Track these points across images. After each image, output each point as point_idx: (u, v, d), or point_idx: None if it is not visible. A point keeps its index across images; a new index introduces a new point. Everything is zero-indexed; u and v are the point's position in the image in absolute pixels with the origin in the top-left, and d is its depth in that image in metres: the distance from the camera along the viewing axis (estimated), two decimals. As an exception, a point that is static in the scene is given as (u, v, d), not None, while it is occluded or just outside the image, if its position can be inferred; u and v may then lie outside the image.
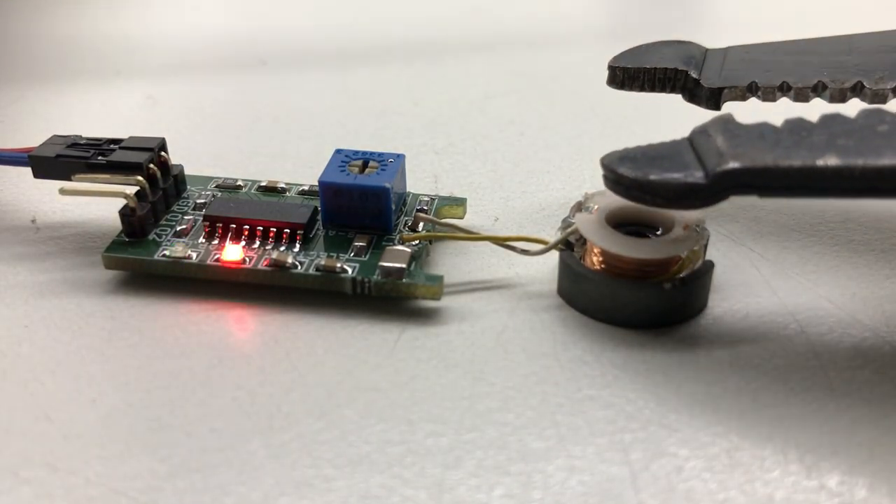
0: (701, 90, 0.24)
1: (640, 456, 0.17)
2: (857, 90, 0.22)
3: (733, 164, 0.18)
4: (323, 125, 0.32)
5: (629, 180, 0.18)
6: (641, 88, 0.25)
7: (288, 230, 0.22)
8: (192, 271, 0.21)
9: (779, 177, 0.17)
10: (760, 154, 0.18)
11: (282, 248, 0.22)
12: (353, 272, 0.21)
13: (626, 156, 0.19)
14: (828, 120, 0.19)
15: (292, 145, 0.30)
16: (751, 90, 0.23)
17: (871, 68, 0.22)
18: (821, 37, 0.24)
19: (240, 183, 0.25)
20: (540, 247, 0.21)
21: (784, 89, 0.22)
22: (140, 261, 0.22)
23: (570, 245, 0.21)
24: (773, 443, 0.17)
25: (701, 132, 0.19)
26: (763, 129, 0.18)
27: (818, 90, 0.22)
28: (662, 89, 0.25)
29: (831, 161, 0.17)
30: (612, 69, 0.25)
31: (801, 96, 0.22)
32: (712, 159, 0.18)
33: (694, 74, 0.24)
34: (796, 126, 0.19)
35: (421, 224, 0.23)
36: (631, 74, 0.25)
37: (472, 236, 0.22)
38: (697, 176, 0.18)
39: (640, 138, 0.31)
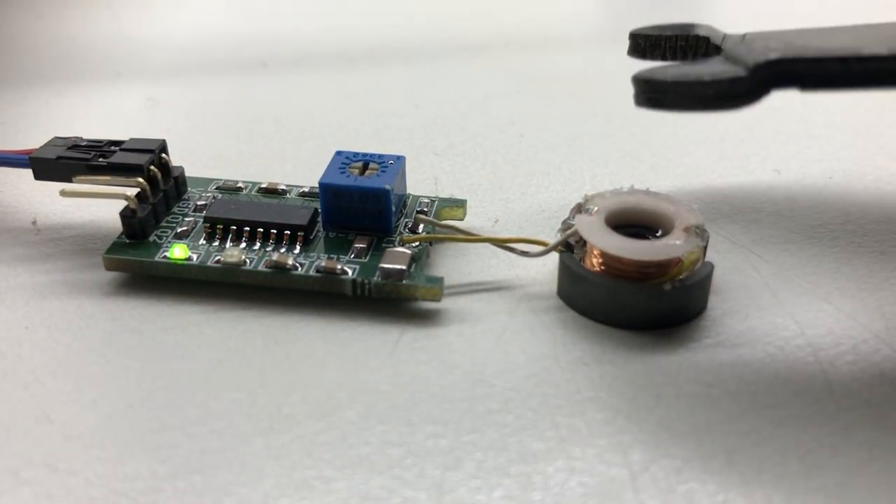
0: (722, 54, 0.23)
1: (639, 457, 0.17)
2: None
3: (775, 55, 0.17)
4: (323, 127, 0.32)
5: (666, 84, 0.18)
6: (663, 56, 0.24)
7: (288, 232, 0.22)
8: (192, 273, 0.21)
9: (823, 66, 0.17)
10: (802, 47, 0.17)
11: (282, 250, 0.22)
12: (353, 274, 0.21)
13: (658, 67, 0.18)
14: (863, 27, 0.19)
15: (293, 147, 0.30)
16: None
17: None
18: (837, 26, 0.24)
19: (240, 184, 0.25)
20: (540, 248, 0.21)
21: None
22: (140, 262, 0.22)
23: (570, 247, 0.21)
24: (773, 443, 0.17)
25: (735, 46, 0.18)
26: (801, 37, 0.18)
27: None
28: (684, 56, 0.24)
29: (877, 49, 0.17)
30: (634, 37, 0.25)
31: None
32: (751, 55, 0.17)
33: (716, 42, 0.23)
34: (834, 33, 0.18)
35: (421, 226, 0.23)
36: (653, 42, 0.24)
37: (472, 238, 0.22)
38: (737, 70, 0.17)
39: (640, 140, 0.31)
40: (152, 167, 0.23)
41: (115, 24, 0.44)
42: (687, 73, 0.18)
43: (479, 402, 0.18)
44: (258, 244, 0.22)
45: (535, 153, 0.29)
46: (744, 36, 0.24)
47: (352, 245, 0.22)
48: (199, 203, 0.24)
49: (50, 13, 0.45)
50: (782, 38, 0.23)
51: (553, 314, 0.21)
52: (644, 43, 0.25)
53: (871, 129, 0.31)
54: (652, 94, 0.18)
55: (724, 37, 0.24)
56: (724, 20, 0.46)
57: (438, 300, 0.21)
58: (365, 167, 0.23)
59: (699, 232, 0.21)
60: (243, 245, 0.22)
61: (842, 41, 0.18)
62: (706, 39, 0.24)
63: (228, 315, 0.21)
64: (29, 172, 0.23)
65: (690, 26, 0.25)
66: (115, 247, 0.22)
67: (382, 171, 0.23)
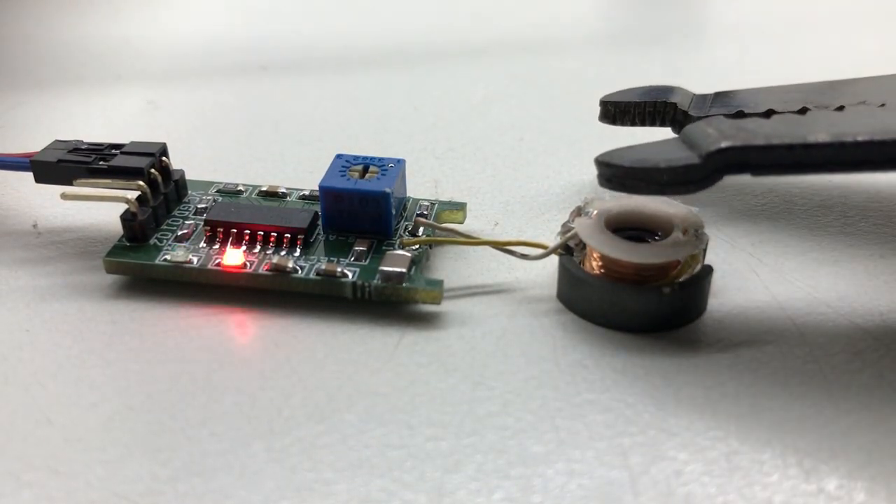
0: (690, 121, 0.24)
1: (639, 460, 0.17)
2: (841, 110, 0.22)
3: (726, 143, 0.18)
4: (323, 130, 0.32)
5: (623, 169, 0.19)
6: (633, 122, 0.26)
7: (288, 235, 0.22)
8: (192, 276, 0.22)
9: (771, 154, 0.18)
10: (752, 134, 0.18)
11: (282, 253, 0.22)
12: (353, 276, 0.21)
13: (618, 150, 0.19)
14: (814, 113, 0.20)
15: (293, 150, 0.30)
16: (738, 117, 0.23)
17: (855, 99, 0.23)
18: (803, 83, 0.25)
19: (241, 188, 0.25)
20: (540, 251, 0.22)
21: (769, 115, 0.23)
22: (141, 265, 0.22)
23: (570, 249, 0.21)
24: (772, 446, 0.17)
25: (691, 127, 0.19)
26: (753, 120, 0.19)
27: (803, 113, 0.23)
28: (653, 123, 0.26)
29: (821, 136, 0.18)
30: (604, 105, 0.26)
31: None
32: (705, 141, 0.18)
33: (683, 107, 0.25)
34: (785, 117, 0.19)
35: (421, 228, 0.23)
36: (622, 109, 0.26)
37: (472, 241, 0.22)
38: (691, 157, 0.18)
39: (640, 143, 0.31)
40: (153, 170, 0.23)
41: (115, 27, 0.44)
42: (643, 160, 0.19)
43: (479, 405, 0.18)
44: (258, 247, 0.22)
45: (535, 156, 0.29)
46: (712, 97, 0.25)
47: (352, 248, 0.22)
48: (199, 206, 0.24)
49: (50, 16, 0.45)
50: (743, 102, 0.24)
51: (553, 317, 0.21)
52: (614, 110, 0.26)
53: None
54: (612, 176, 0.19)
55: (692, 100, 0.25)
56: (723, 23, 0.46)
57: (438, 303, 0.21)
58: (365, 170, 0.23)
59: (698, 235, 0.21)
60: (244, 248, 0.22)
61: (792, 125, 0.19)
62: (674, 106, 0.25)
63: (228, 318, 0.21)
64: (30, 175, 0.23)
65: (659, 91, 0.26)
66: (116, 250, 0.22)
67: (382, 175, 0.23)
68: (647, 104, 0.25)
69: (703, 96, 0.26)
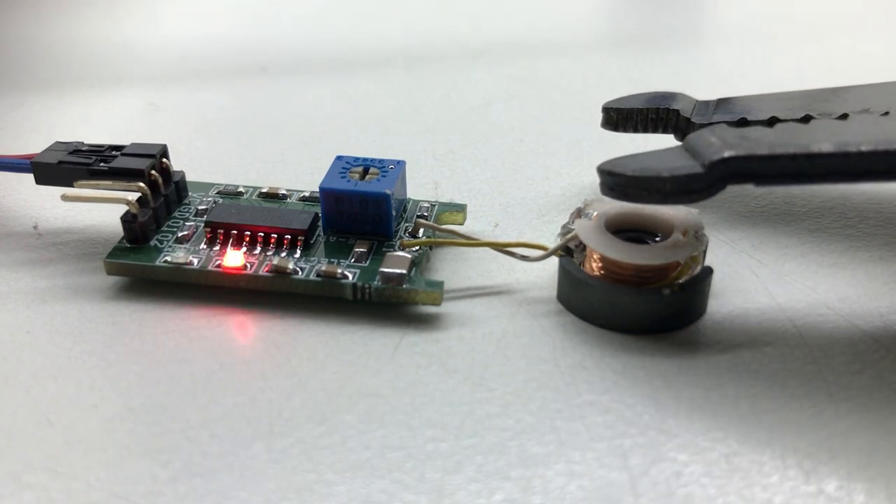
0: (693, 128, 0.24)
1: (639, 461, 0.17)
2: (844, 118, 0.22)
3: (729, 153, 0.18)
4: (323, 132, 0.32)
5: (626, 178, 0.19)
6: (635, 129, 0.26)
7: (289, 236, 0.22)
8: (193, 277, 0.22)
9: (774, 164, 0.18)
10: (755, 143, 0.18)
11: (283, 255, 0.22)
12: (353, 278, 0.21)
13: (621, 159, 0.19)
14: (817, 122, 0.20)
15: (293, 152, 0.30)
16: (741, 125, 0.23)
17: (857, 106, 0.23)
18: (806, 89, 0.25)
19: (241, 189, 0.25)
20: (540, 253, 0.22)
21: (772, 123, 0.23)
22: (142, 267, 0.22)
23: (570, 251, 0.21)
24: (772, 448, 0.17)
25: (695, 135, 0.19)
26: (756, 129, 0.19)
27: (806, 122, 0.23)
28: (655, 129, 0.26)
29: (825, 146, 0.18)
30: (607, 111, 0.26)
31: None
32: (708, 150, 0.18)
33: (686, 114, 0.25)
34: (788, 126, 0.19)
35: (421, 230, 0.23)
36: (624, 115, 0.26)
37: (472, 242, 0.22)
38: (694, 166, 0.18)
39: (640, 146, 0.31)
40: (153, 172, 0.23)
41: (116, 28, 0.44)
42: (646, 169, 0.19)
43: (479, 406, 0.18)
44: (259, 249, 0.22)
45: (535, 157, 0.29)
46: (715, 104, 0.25)
47: (352, 249, 0.22)
48: (199, 208, 0.24)
49: (51, 18, 0.45)
50: (745, 109, 0.24)
51: (553, 318, 0.21)
52: (616, 116, 0.26)
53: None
54: (615, 185, 0.19)
55: (695, 107, 0.25)
56: (724, 25, 0.46)
57: (438, 304, 0.21)
58: (365, 172, 0.23)
59: (698, 236, 0.21)
60: (244, 249, 0.22)
61: (795, 134, 0.18)
62: (676, 113, 0.25)
63: (229, 319, 0.21)
64: (30, 177, 0.23)
65: (661, 97, 0.26)
66: (117, 251, 0.22)
67: (383, 176, 0.23)
68: (649, 111, 0.25)
69: (706, 103, 0.26)
